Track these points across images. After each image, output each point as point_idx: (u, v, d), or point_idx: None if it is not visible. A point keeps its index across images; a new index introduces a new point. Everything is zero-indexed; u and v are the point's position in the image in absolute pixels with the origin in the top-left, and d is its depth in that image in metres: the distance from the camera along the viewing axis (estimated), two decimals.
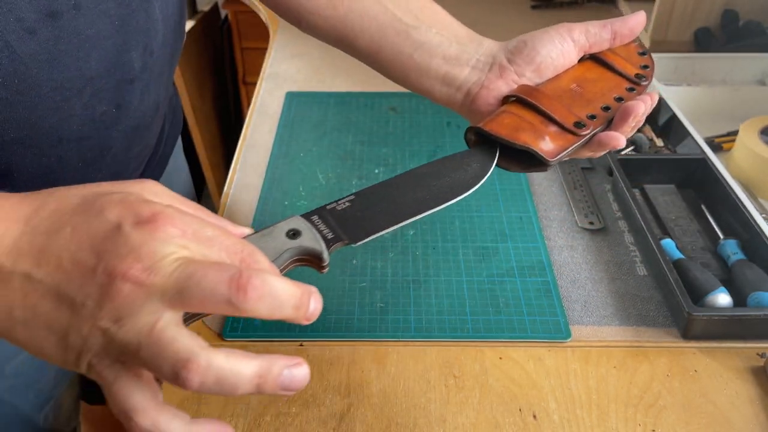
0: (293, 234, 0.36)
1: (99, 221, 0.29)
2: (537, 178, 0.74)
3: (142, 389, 0.28)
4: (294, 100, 0.89)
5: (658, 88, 0.81)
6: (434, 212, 0.41)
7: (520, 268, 0.62)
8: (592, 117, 0.46)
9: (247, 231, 0.35)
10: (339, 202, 0.40)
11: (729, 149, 0.78)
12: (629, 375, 0.52)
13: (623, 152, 0.74)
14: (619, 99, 0.48)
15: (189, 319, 0.31)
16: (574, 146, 0.45)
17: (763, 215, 0.63)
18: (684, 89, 0.86)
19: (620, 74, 0.49)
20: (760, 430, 0.49)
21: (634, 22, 0.50)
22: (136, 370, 0.29)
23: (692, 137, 0.73)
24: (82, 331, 0.28)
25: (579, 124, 0.45)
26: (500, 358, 0.54)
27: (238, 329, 0.56)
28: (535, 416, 0.49)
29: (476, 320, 0.57)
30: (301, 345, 0.55)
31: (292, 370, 0.29)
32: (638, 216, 0.62)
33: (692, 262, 0.60)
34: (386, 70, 0.53)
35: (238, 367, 0.28)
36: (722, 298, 0.55)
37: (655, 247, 0.59)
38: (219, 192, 0.76)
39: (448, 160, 0.45)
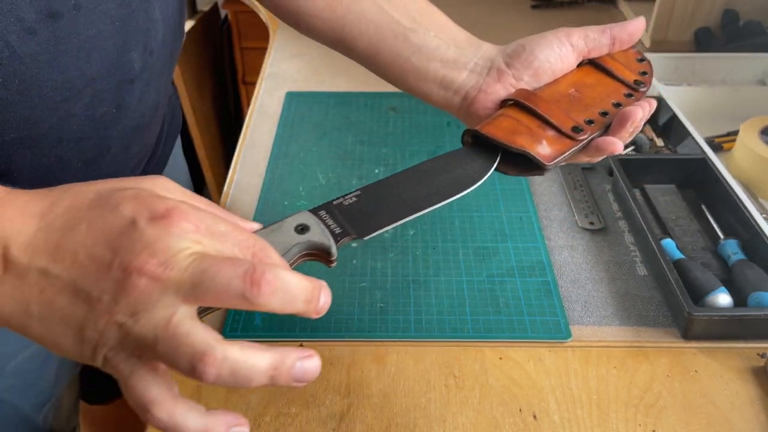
0: (301, 229, 0.36)
1: (114, 217, 0.29)
2: (537, 178, 0.74)
3: (158, 382, 0.29)
4: (294, 100, 0.89)
5: (659, 88, 0.81)
6: (440, 206, 0.41)
7: (520, 268, 0.62)
8: (590, 122, 0.46)
9: (256, 226, 0.35)
10: (345, 197, 0.40)
11: (729, 149, 0.78)
12: (629, 375, 0.52)
13: (624, 152, 0.74)
14: (617, 104, 0.48)
15: (201, 313, 0.32)
16: (571, 151, 0.45)
17: (764, 215, 0.63)
18: (684, 89, 0.86)
19: (619, 80, 0.49)
20: (761, 430, 0.49)
21: (634, 28, 0.50)
22: (152, 364, 0.29)
23: (692, 137, 0.73)
24: (98, 325, 0.28)
25: (577, 129, 0.45)
26: (500, 358, 0.54)
27: (238, 329, 0.56)
28: (535, 416, 0.49)
29: (476, 320, 0.57)
30: (301, 345, 0.55)
31: (304, 362, 0.30)
32: (638, 216, 0.62)
33: (692, 262, 0.60)
34: (384, 72, 0.53)
35: (253, 359, 0.28)
36: (722, 298, 0.55)
37: (655, 247, 0.59)
38: (218, 192, 0.76)
39: (451, 156, 0.45)
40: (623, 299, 0.59)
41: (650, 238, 0.60)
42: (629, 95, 0.49)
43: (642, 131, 0.78)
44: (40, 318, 0.29)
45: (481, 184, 0.43)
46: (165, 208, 0.29)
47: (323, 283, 0.31)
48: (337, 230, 0.38)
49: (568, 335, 0.55)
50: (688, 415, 0.50)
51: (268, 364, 0.29)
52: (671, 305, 0.58)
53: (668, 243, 0.62)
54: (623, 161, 0.70)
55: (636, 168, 0.70)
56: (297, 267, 0.35)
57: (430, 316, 0.57)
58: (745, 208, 0.63)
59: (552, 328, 0.56)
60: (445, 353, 0.54)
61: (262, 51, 1.05)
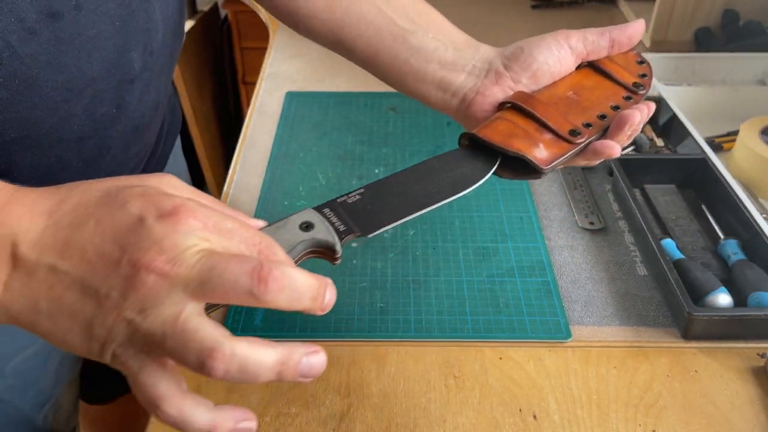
0: (306, 226, 0.37)
1: (122, 214, 0.30)
2: None
3: (166, 378, 0.29)
4: (294, 100, 0.89)
5: (659, 88, 0.81)
6: (443, 204, 0.42)
7: (520, 268, 0.62)
8: (588, 125, 0.46)
9: (261, 223, 0.36)
10: (349, 195, 0.40)
11: (729, 149, 0.78)
12: (629, 375, 0.52)
13: (624, 152, 0.74)
14: (616, 107, 0.47)
15: (207, 309, 0.32)
16: (568, 154, 0.45)
17: (764, 215, 0.63)
18: (684, 89, 0.86)
19: (617, 83, 0.49)
20: (761, 430, 0.49)
21: (633, 31, 0.50)
22: (161, 360, 0.29)
23: (692, 137, 0.73)
24: (106, 321, 0.29)
25: (574, 132, 0.45)
26: (500, 358, 0.54)
27: (238, 329, 0.56)
28: (535, 416, 0.49)
29: (476, 320, 0.57)
30: None
31: (311, 357, 0.30)
32: (638, 216, 0.62)
33: (692, 262, 0.60)
34: (383, 74, 0.53)
35: (261, 355, 0.28)
36: (722, 298, 0.55)
37: (655, 247, 0.59)
38: (218, 192, 0.76)
39: (452, 155, 0.45)
40: (623, 299, 0.59)
41: (650, 238, 0.60)
42: (628, 98, 0.48)
43: (642, 131, 0.78)
44: (49, 315, 0.29)
45: (482, 183, 0.44)
46: (172, 206, 0.30)
47: (329, 281, 0.31)
48: (342, 228, 0.38)
49: (568, 335, 0.55)
50: (688, 415, 0.50)
51: (275, 359, 0.29)
52: (671, 305, 0.58)
53: (668, 243, 0.62)
54: (623, 161, 0.70)
55: (636, 168, 0.70)
56: (300, 264, 0.35)
57: (430, 316, 0.57)
58: (745, 208, 0.63)
59: (552, 328, 0.56)
60: (445, 353, 0.54)
61: (262, 51, 1.05)
